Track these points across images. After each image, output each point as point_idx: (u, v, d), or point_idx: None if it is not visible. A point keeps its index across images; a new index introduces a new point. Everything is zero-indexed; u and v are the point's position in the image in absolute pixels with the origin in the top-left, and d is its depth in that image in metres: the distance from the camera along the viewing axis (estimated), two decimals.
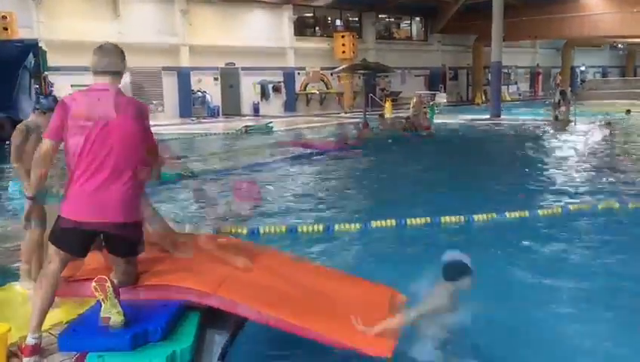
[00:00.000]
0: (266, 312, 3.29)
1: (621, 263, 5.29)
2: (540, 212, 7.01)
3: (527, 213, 6.83)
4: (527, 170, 10.78)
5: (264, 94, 27.15)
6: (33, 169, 3.38)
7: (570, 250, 5.72)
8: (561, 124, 18.01)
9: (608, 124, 17.42)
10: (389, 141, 14.96)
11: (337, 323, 3.33)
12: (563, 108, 18.64)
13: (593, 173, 10.16)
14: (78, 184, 3.28)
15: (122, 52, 3.46)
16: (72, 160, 3.28)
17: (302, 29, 29.07)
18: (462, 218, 6.64)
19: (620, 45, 44.99)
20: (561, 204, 7.57)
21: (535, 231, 6.38)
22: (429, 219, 6.60)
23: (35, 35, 17.94)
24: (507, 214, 6.78)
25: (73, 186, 3.29)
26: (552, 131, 17.19)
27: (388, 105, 27.09)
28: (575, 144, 14.27)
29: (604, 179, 9.51)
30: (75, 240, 3.31)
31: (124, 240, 3.37)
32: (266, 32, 26.87)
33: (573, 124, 18.10)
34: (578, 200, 7.77)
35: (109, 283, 3.06)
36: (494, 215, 6.73)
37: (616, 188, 8.64)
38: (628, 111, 19.52)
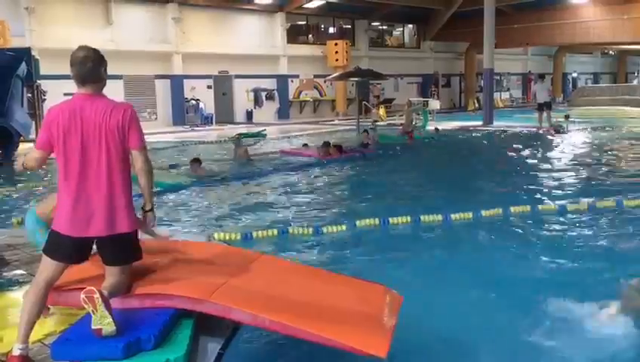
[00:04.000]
0: (261, 315, 3.27)
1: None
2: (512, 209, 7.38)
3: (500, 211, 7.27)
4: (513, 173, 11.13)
5: (257, 101, 27.16)
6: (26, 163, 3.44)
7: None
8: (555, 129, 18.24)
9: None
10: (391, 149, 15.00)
11: (333, 323, 3.31)
12: (547, 115, 18.90)
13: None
14: (63, 196, 3.28)
15: (100, 56, 3.38)
16: (59, 171, 3.29)
17: (295, 36, 29.13)
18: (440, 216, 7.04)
19: (611, 52, 45.39)
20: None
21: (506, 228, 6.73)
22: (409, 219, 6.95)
23: (27, 44, 17.91)
24: (483, 212, 7.19)
25: (62, 199, 3.30)
26: (545, 137, 17.34)
27: (382, 111, 27.19)
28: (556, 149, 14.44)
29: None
30: (68, 252, 3.30)
31: (117, 249, 3.36)
32: (259, 39, 26.92)
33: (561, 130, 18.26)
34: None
35: (97, 295, 3.03)
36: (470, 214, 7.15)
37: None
38: (567, 117, 19.56)
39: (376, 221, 6.85)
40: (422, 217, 6.96)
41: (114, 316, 3.10)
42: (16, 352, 3.15)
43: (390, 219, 6.87)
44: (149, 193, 3.52)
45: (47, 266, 3.29)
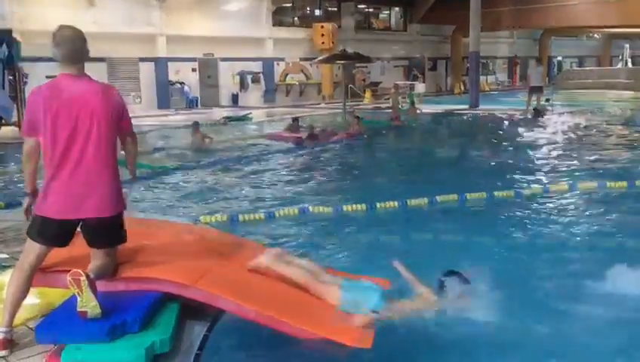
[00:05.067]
0: (246, 306, 3.29)
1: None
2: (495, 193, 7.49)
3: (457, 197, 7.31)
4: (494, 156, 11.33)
5: (243, 85, 26.97)
6: (23, 166, 3.34)
7: None
8: (535, 114, 18.32)
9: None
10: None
11: (316, 316, 3.35)
12: (536, 98, 18.94)
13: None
14: (51, 179, 3.22)
15: (82, 37, 3.32)
16: (45, 154, 3.22)
17: (281, 18, 28.92)
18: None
19: (596, 35, 45.60)
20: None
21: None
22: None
23: (8, 26, 17.62)
24: (467, 195, 7.32)
25: (47, 182, 3.23)
26: (525, 120, 17.45)
27: (368, 94, 27.18)
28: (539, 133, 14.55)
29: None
30: (52, 234, 3.27)
31: (103, 233, 3.34)
32: (245, 21, 26.65)
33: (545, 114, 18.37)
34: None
35: (83, 277, 3.02)
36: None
37: None
38: (547, 100, 19.69)
39: (364, 206, 6.85)
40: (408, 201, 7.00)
41: (99, 298, 3.08)
42: (0, 336, 3.14)
43: (378, 204, 6.88)
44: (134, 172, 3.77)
45: (32, 249, 3.27)
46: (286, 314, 3.24)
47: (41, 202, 3.24)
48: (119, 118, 3.32)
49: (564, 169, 9.53)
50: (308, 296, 3.63)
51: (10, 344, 3.19)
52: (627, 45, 39.68)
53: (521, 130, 15.44)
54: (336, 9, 31.29)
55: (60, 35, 3.25)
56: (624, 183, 7.87)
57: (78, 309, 3.04)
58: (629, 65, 38.77)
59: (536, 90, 18.94)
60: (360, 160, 11.56)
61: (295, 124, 13.94)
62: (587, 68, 42.54)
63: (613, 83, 30.15)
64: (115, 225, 3.37)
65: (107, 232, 3.35)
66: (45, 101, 3.16)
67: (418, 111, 19.22)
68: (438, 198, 7.12)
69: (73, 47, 3.24)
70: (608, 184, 7.89)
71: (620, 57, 41.04)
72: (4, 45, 13.96)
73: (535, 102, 18.83)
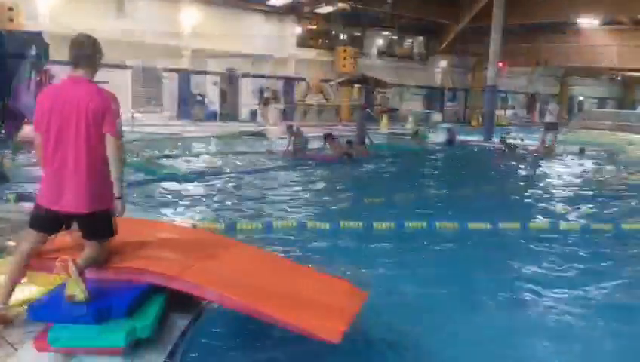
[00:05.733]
0: (226, 294, 3.50)
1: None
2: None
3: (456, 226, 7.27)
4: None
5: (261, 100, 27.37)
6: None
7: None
8: (547, 151, 18.35)
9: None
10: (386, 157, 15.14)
11: (292, 308, 3.54)
12: (552, 137, 18.97)
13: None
14: (45, 172, 3.56)
15: (95, 43, 3.60)
16: (42, 149, 3.54)
17: (305, 39, 29.43)
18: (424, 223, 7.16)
19: (618, 78, 45.58)
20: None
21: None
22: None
23: (39, 28, 18.20)
24: (469, 225, 7.25)
25: (43, 175, 3.57)
26: (534, 156, 17.50)
27: (385, 120, 27.43)
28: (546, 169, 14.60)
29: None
30: (47, 223, 3.57)
31: (90, 226, 3.60)
32: (269, 40, 27.16)
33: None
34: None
35: (71, 263, 3.28)
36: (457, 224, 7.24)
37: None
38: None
39: (360, 224, 7.02)
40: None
41: (87, 284, 3.35)
42: None
43: (374, 224, 7.05)
44: (118, 180, 3.57)
45: (29, 235, 3.60)
46: (265, 304, 3.45)
47: (38, 191, 3.59)
48: (101, 120, 3.47)
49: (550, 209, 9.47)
50: (289, 288, 3.85)
51: (5, 318, 3.46)
52: None
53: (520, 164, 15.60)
54: (360, 34, 31.77)
55: (73, 40, 3.58)
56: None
57: (66, 293, 3.30)
58: None
59: (551, 127, 19.02)
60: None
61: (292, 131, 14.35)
62: (603, 110, 42.50)
63: (631, 126, 30.09)
64: (95, 221, 3.58)
65: (91, 226, 3.59)
66: (45, 101, 3.51)
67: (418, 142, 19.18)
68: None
69: (76, 52, 3.54)
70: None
71: None
72: (34, 47, 14.42)
73: (550, 140, 18.90)
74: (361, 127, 16.92)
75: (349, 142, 14.64)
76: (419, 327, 4.25)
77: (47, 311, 3.36)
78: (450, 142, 19.30)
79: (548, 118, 19.05)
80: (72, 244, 3.76)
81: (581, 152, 18.14)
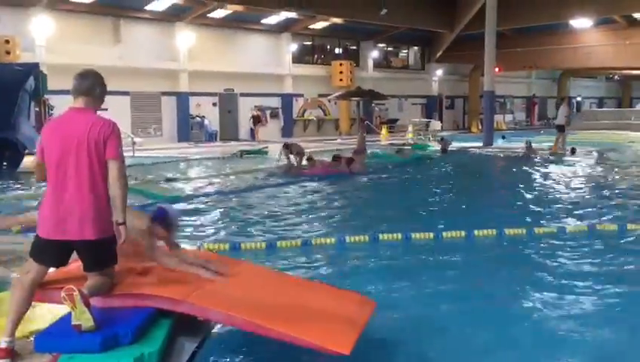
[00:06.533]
0: (234, 315, 3.50)
1: None
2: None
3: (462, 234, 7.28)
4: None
5: (260, 120, 27.45)
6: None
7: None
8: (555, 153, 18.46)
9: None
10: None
11: (301, 323, 3.52)
12: (560, 139, 19.07)
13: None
14: (45, 200, 3.57)
15: (96, 76, 3.69)
16: (46, 178, 3.58)
17: (300, 56, 29.59)
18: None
19: (616, 77, 45.67)
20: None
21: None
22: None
23: (36, 59, 18.36)
24: (476, 232, 7.25)
25: (44, 203, 3.58)
26: (540, 159, 17.50)
27: (384, 131, 27.52)
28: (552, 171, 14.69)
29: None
30: (48, 254, 3.56)
31: (91, 256, 3.59)
32: (265, 58, 27.33)
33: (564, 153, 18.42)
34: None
35: (76, 293, 3.26)
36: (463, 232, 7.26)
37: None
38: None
39: (366, 237, 7.00)
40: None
41: (93, 313, 3.33)
42: (3, 345, 3.39)
43: (380, 236, 7.04)
44: (121, 206, 3.54)
45: (32, 267, 3.57)
46: (272, 321, 3.44)
47: (38, 222, 3.60)
48: (103, 148, 3.50)
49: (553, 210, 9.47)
50: (297, 304, 3.84)
51: (12, 353, 3.44)
52: None
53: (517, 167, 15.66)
54: (355, 47, 31.93)
55: (76, 73, 3.68)
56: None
57: (72, 323, 3.29)
58: None
59: (559, 128, 19.13)
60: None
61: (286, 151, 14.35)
62: (605, 109, 42.54)
63: (630, 124, 30.07)
64: (100, 249, 3.58)
65: (93, 255, 3.58)
66: (47, 131, 3.59)
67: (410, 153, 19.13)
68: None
69: (76, 83, 3.62)
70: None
71: None
72: (31, 78, 14.53)
73: (560, 142, 18.95)
74: (361, 140, 16.93)
75: (336, 158, 14.58)
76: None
77: (54, 342, 3.35)
78: (444, 151, 19.31)
79: (557, 121, 19.20)
80: (77, 273, 3.75)
81: (572, 153, 18.30)
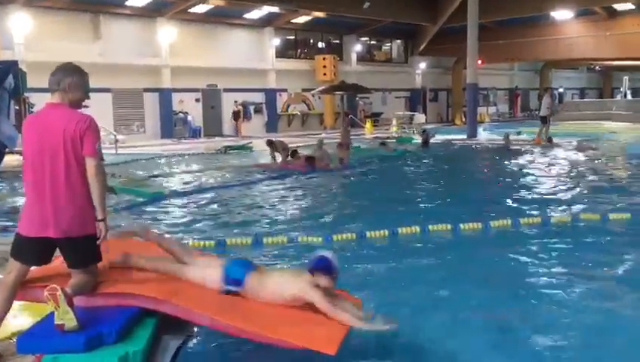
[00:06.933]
0: (217, 318, 3.48)
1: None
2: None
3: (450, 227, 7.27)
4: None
5: (245, 115, 27.37)
6: None
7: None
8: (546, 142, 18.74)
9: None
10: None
11: (286, 325, 3.49)
12: (543, 130, 19.26)
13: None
14: (26, 199, 3.53)
15: (67, 69, 3.58)
16: (23, 174, 3.53)
17: (283, 50, 29.49)
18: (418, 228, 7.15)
19: (597, 67, 46.09)
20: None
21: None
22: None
23: (15, 57, 18.10)
24: (462, 226, 7.26)
25: (25, 202, 3.54)
26: (523, 149, 17.68)
27: (369, 125, 27.56)
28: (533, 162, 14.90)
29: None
30: (29, 253, 3.51)
31: (74, 253, 3.55)
32: (248, 53, 27.21)
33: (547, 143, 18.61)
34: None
35: (60, 292, 3.21)
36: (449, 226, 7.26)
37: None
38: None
39: (354, 235, 6.96)
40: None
41: (77, 312, 3.28)
42: None
43: (368, 233, 6.99)
44: (100, 202, 3.50)
45: (13, 267, 3.51)
46: (255, 324, 3.42)
47: (19, 221, 3.55)
48: (80, 143, 3.44)
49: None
50: (280, 306, 3.81)
51: None
52: (626, 77, 40.06)
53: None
54: (338, 41, 31.89)
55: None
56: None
57: (56, 322, 3.24)
58: (629, 96, 39.07)
59: (542, 120, 19.27)
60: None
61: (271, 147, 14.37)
62: (586, 100, 42.95)
63: (612, 115, 30.36)
64: (82, 246, 3.53)
65: (76, 253, 3.54)
66: (26, 127, 3.53)
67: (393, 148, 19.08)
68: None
69: (52, 78, 3.55)
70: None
71: (620, 89, 41.39)
72: (10, 76, 14.31)
73: (543, 133, 19.14)
74: (345, 134, 16.88)
75: (294, 154, 14.33)
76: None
77: (37, 343, 3.30)
78: (425, 143, 19.30)
79: (542, 112, 19.34)
80: (60, 271, 3.70)
81: (549, 142, 18.60)
